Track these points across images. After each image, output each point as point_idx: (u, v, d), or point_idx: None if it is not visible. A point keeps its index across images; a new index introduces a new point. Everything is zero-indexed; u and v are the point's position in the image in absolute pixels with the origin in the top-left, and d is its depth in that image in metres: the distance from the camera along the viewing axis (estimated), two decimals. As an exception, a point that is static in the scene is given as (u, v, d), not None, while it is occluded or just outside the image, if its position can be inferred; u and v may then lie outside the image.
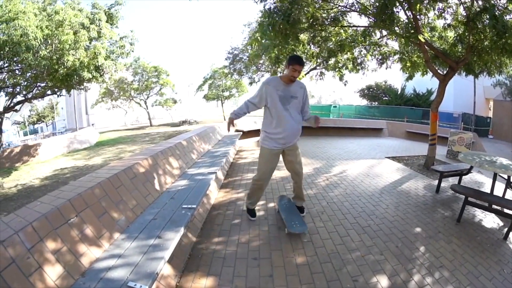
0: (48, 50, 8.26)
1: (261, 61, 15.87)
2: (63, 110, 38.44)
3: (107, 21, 10.16)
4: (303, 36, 7.01)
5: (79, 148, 15.63)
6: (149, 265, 1.71)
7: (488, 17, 4.50)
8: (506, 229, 3.35)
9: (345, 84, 9.51)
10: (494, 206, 3.66)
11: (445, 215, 3.70)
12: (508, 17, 4.57)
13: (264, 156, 3.03)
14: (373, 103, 28.31)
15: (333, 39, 7.25)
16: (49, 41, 8.26)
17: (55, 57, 8.42)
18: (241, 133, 8.10)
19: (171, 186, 3.14)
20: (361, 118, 20.30)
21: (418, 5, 5.04)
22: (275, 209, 3.56)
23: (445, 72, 6.19)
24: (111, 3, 10.71)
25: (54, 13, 8.36)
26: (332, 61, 8.69)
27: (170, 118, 37.73)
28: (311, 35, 6.91)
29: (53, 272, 1.51)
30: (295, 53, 7.48)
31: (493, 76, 6.47)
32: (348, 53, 7.77)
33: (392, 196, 4.26)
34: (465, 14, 5.30)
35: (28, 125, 37.19)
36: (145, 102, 32.19)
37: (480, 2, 4.73)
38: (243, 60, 18.36)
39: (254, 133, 8.77)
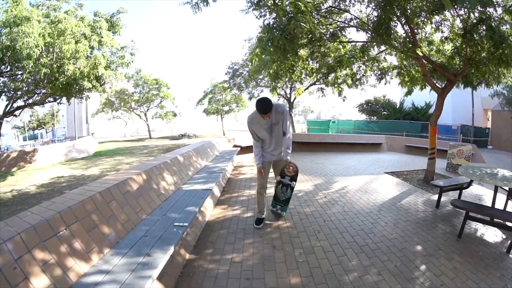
0: (49, 58, 8.36)
1: (260, 77, 16.00)
2: (64, 117, 38.63)
3: (108, 29, 10.31)
4: (303, 52, 7.06)
5: (77, 157, 15.56)
6: (137, 283, 1.66)
7: (484, 28, 4.53)
8: (509, 242, 3.28)
9: (344, 100, 9.56)
10: (496, 220, 3.59)
11: (445, 231, 3.62)
12: (504, 27, 4.60)
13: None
14: (372, 117, 28.40)
15: (332, 55, 7.30)
16: (51, 49, 8.38)
17: (55, 66, 8.51)
18: (239, 148, 8.06)
19: (164, 202, 3.08)
20: (360, 133, 20.30)
21: (415, 19, 5.07)
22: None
23: (443, 85, 6.20)
24: (113, 11, 10.92)
25: (57, 22, 8.48)
26: (331, 76, 8.73)
27: (170, 131, 37.77)
28: (310, 50, 6.95)
29: (39, 284, 1.48)
30: (294, 68, 7.52)
31: (491, 87, 6.50)
32: (347, 68, 7.80)
33: (391, 212, 4.19)
34: (461, 26, 5.35)
35: (27, 131, 37.35)
36: (145, 114, 32.38)
37: (476, 14, 4.76)
38: (243, 75, 18.49)
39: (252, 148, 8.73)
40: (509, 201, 4.10)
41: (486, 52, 4.98)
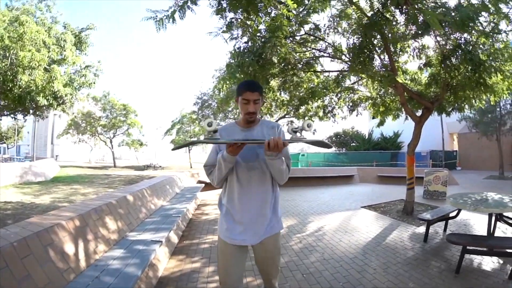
0: (3, 64, 7.53)
1: (229, 108, 15.69)
2: (29, 134, 36.11)
3: (75, 45, 9.70)
4: (273, 83, 6.84)
5: (33, 180, 14.08)
6: None
7: (462, 52, 4.59)
8: (509, 268, 3.14)
9: (313, 133, 9.42)
10: (495, 249, 3.34)
11: (441, 268, 3.25)
12: (480, 51, 4.64)
13: None
14: (342, 149, 28.94)
15: (305, 86, 7.15)
16: (7, 54, 7.57)
17: (9, 73, 7.67)
18: (203, 185, 7.42)
19: (101, 257, 2.39)
20: (330, 166, 20.27)
21: (398, 44, 4.97)
22: None
23: (420, 113, 6.14)
24: (82, 26, 10.37)
25: (18, 24, 7.76)
26: (302, 109, 8.58)
27: (136, 160, 36.11)
28: (282, 80, 6.72)
29: None
30: (264, 100, 7.25)
31: (463, 112, 6.65)
32: (319, 100, 7.69)
33: (378, 254, 3.72)
34: (438, 52, 5.39)
35: None
36: (111, 141, 30.92)
37: (455, 37, 4.81)
38: (211, 106, 18.24)
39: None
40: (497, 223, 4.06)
41: (462, 77, 5.01)
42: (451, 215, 4.57)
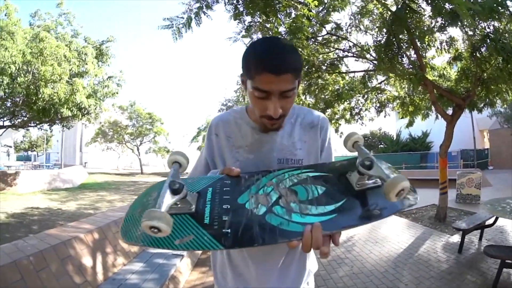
0: (26, 79, 7.89)
1: None
2: (58, 143, 38.13)
3: (96, 58, 10.01)
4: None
5: (61, 187, 14.72)
6: None
7: (490, 42, 4.28)
8: None
9: (340, 136, 9.18)
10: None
11: (477, 283, 2.99)
12: (511, 39, 4.29)
13: None
14: (370, 152, 28.14)
15: (330, 88, 6.95)
16: (29, 69, 7.93)
17: (32, 87, 8.02)
18: None
19: (120, 270, 2.34)
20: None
21: (426, 37, 4.68)
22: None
23: (451, 112, 5.80)
24: (102, 39, 10.70)
25: (38, 40, 8.12)
26: (328, 112, 8.38)
27: (163, 167, 36.88)
28: (307, 83, 6.55)
29: None
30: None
31: (494, 107, 6.29)
32: (345, 103, 7.44)
33: (410, 267, 3.47)
34: (468, 44, 5.07)
35: (18, 151, 36.71)
36: (138, 148, 31.76)
37: (480, 27, 4.47)
38: None
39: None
40: None
41: (495, 69, 4.66)
42: (487, 223, 4.20)
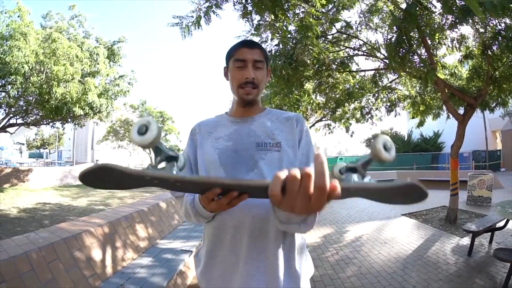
0: (39, 78, 8.10)
1: None
2: (70, 141, 38.83)
3: (108, 58, 10.21)
4: (308, 85, 6.66)
5: (72, 183, 15.05)
6: None
7: (501, 40, 4.19)
8: None
9: (351, 135, 9.07)
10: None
11: (485, 287, 2.92)
12: None
13: None
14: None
15: (340, 87, 6.89)
16: (42, 69, 8.15)
17: (45, 86, 8.22)
18: None
19: (129, 264, 2.38)
20: (369, 171, 19.47)
21: (437, 34, 4.60)
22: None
23: (463, 111, 5.69)
24: (114, 39, 10.96)
25: (51, 41, 8.33)
26: (339, 111, 8.30)
27: (175, 165, 37.27)
28: (318, 81, 6.52)
29: None
30: (299, 103, 7.03)
31: (506, 106, 6.19)
32: (356, 102, 7.37)
33: (419, 269, 3.42)
34: (479, 41, 4.96)
35: (30, 148, 37.40)
36: (149, 147, 32.23)
37: (491, 24, 4.38)
38: None
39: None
40: None
41: (507, 67, 4.62)
42: (498, 225, 4.13)
